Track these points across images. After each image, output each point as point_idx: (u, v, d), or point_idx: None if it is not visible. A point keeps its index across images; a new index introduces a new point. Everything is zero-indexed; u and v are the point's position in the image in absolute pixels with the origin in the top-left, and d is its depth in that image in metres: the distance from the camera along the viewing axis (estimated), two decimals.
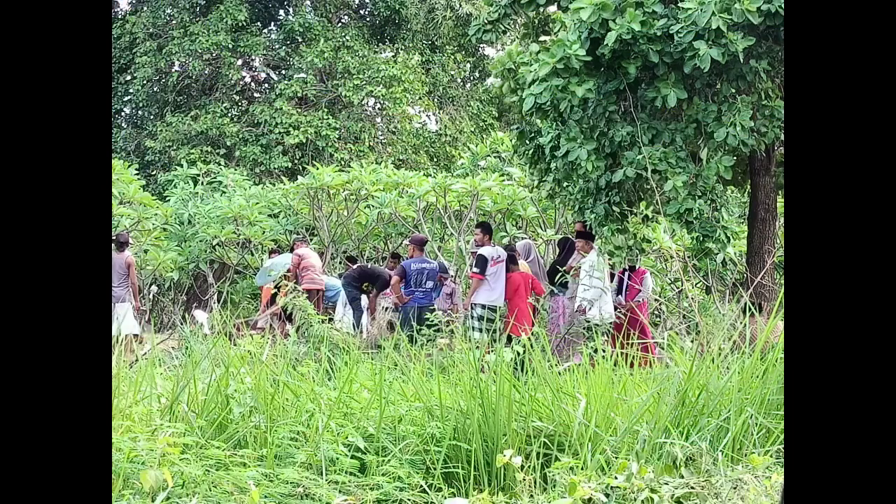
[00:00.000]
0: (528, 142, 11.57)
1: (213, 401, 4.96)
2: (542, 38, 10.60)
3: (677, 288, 15.30)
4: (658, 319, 14.89)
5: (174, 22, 27.03)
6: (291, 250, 16.01)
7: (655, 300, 15.02)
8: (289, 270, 15.14)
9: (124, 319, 13.69)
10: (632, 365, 6.30)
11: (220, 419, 4.84)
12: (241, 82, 28.97)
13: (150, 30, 27.18)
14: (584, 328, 11.53)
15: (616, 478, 4.13)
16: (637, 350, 6.66)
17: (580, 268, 12.32)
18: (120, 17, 29.48)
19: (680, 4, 9.21)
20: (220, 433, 4.73)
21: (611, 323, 11.72)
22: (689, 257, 14.73)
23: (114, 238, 14.91)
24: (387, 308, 13.78)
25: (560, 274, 12.33)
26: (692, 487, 4.16)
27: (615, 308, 12.23)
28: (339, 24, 29.84)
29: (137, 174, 18.10)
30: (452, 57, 30.57)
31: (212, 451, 4.32)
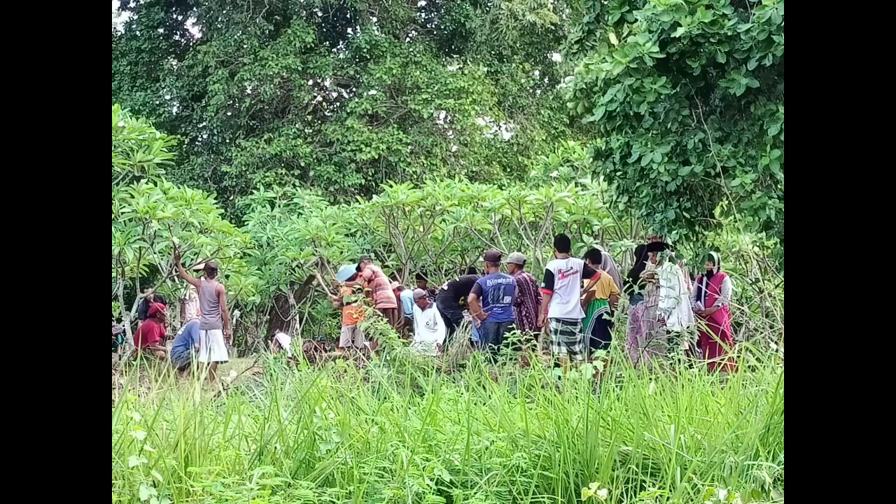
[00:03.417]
0: (603, 161, 11.36)
1: (299, 438, 5.02)
2: (612, 41, 10.51)
3: (758, 289, 15.06)
4: (741, 318, 14.70)
5: (244, 48, 27.38)
6: (358, 269, 16.04)
7: (737, 302, 14.82)
8: (366, 281, 15.18)
9: (215, 347, 13.98)
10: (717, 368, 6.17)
11: (307, 456, 4.90)
12: (311, 103, 29.27)
13: (221, 58, 27.57)
14: (664, 339, 11.42)
15: None
16: (720, 357, 6.56)
17: (653, 276, 12.23)
18: (191, 45, 30.02)
19: (757, 3, 9.13)
20: (307, 471, 4.79)
21: (689, 330, 11.55)
22: (768, 257, 14.52)
23: (203, 266, 15.27)
24: (469, 323, 13.83)
25: (632, 283, 12.23)
26: None
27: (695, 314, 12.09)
28: (407, 40, 30.01)
29: (217, 200, 18.40)
30: (520, 66, 30.50)
31: (300, 490, 4.37)
